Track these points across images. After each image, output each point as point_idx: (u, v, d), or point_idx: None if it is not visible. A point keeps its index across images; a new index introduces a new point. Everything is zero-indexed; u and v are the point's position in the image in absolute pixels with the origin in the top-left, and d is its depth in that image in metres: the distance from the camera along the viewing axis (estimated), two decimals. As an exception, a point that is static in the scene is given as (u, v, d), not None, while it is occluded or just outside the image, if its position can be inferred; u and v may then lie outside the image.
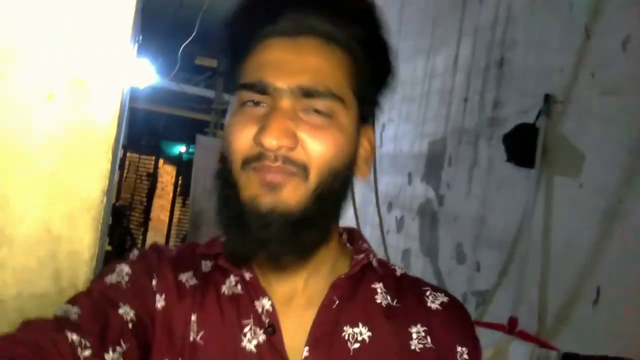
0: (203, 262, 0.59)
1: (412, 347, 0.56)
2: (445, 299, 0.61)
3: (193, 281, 0.57)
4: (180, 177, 6.95)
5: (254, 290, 0.56)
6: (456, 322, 0.59)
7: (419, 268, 2.34)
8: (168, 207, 6.95)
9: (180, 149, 7.45)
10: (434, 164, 2.41)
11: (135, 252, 0.59)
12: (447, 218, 2.19)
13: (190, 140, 5.46)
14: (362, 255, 0.59)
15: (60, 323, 0.47)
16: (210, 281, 0.57)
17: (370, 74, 0.57)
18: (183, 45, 2.89)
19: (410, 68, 2.76)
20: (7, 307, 0.47)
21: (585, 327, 1.39)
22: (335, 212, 0.57)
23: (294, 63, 0.53)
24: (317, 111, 0.53)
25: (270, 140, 0.49)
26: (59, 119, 0.46)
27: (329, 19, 0.54)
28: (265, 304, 0.54)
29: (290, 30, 0.54)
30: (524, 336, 1.48)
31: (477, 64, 2.14)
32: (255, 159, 0.51)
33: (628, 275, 1.29)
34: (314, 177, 0.52)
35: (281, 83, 0.52)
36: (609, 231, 1.36)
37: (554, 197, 1.59)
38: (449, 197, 2.17)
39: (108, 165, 0.50)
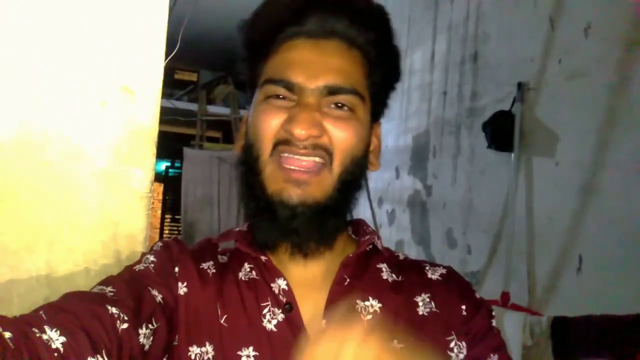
0: (219, 257, 0.63)
1: (420, 313, 0.60)
2: (444, 271, 0.66)
3: (213, 270, 0.61)
4: (167, 194, 6.90)
5: (269, 273, 0.59)
6: (455, 286, 0.64)
7: (412, 256, 2.41)
8: (157, 224, 6.90)
9: (165, 165, 7.38)
10: (419, 157, 2.48)
11: (159, 243, 0.62)
12: (436, 207, 2.29)
13: (174, 156, 5.43)
14: (367, 237, 0.64)
15: (100, 297, 0.49)
16: (228, 270, 0.61)
17: (382, 76, 0.62)
18: (166, 61, 2.93)
19: (389, 67, 2.86)
20: (78, 284, 0.54)
21: (571, 293, 1.48)
22: (353, 200, 0.61)
23: (319, 63, 0.57)
24: (340, 105, 0.57)
25: (300, 131, 0.53)
26: (111, 121, 0.54)
27: (350, 24, 0.59)
28: (281, 284, 0.58)
29: (315, 32, 0.58)
30: (516, 308, 1.57)
31: (453, 58, 2.23)
32: (284, 143, 0.55)
33: (605, 242, 1.38)
34: (337, 163, 0.56)
35: (309, 83, 0.56)
36: (585, 204, 1.45)
37: (534, 177, 1.69)
38: (436, 187, 2.27)
39: (153, 159, 0.58)
